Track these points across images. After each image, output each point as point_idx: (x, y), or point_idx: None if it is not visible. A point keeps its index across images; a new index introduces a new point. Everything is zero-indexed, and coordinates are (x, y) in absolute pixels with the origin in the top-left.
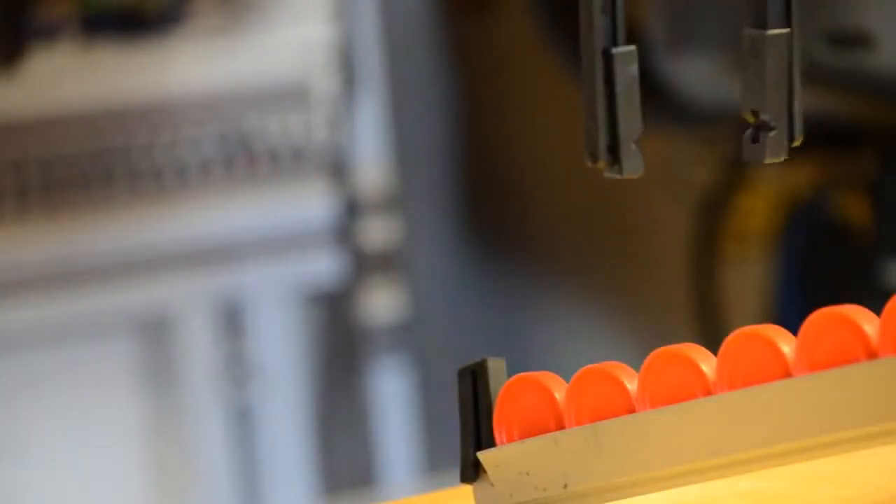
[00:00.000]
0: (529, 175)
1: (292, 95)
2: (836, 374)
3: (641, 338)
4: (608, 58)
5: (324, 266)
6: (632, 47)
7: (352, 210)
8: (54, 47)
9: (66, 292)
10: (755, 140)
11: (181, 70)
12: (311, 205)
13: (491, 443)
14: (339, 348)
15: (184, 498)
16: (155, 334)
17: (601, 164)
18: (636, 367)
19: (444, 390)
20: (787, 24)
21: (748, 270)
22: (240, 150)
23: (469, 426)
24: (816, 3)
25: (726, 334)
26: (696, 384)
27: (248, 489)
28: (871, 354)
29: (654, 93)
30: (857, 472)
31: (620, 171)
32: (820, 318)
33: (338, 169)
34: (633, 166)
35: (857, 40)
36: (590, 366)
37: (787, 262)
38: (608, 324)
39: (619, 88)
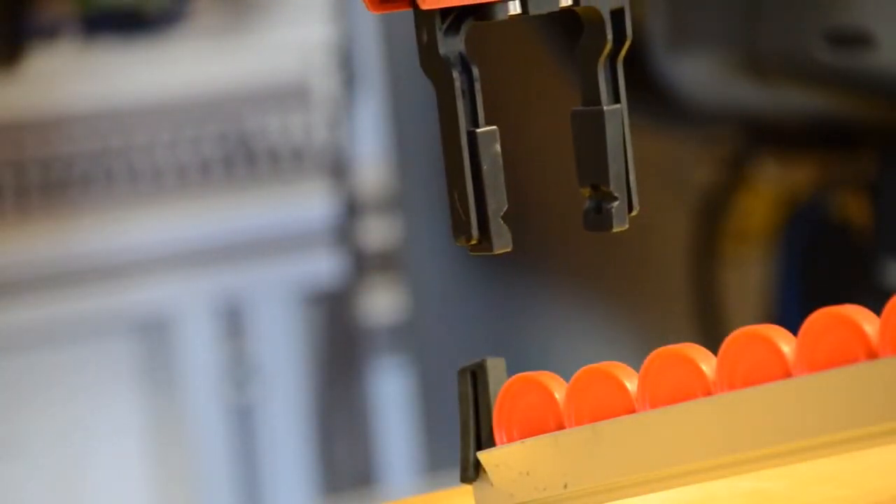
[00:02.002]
0: (529, 175)
1: (292, 95)
2: (836, 374)
3: (641, 338)
4: (472, 138)
5: (324, 266)
6: (493, 128)
7: (352, 210)
8: (54, 47)
9: (66, 292)
10: (598, 211)
11: (181, 70)
12: (311, 205)
13: (491, 443)
14: (339, 348)
15: (184, 498)
16: (155, 334)
17: (471, 242)
18: (636, 367)
19: (444, 390)
20: (618, 100)
21: (748, 270)
22: (240, 150)
23: (469, 426)
24: (816, 3)
25: (726, 334)
26: (696, 384)
27: (248, 489)
28: (871, 354)
29: (655, 93)
30: (857, 472)
31: (490, 248)
32: (820, 318)
33: (338, 169)
34: (502, 242)
35: (857, 40)
36: (590, 366)
37: (787, 262)
38: (608, 324)
39: (485, 167)
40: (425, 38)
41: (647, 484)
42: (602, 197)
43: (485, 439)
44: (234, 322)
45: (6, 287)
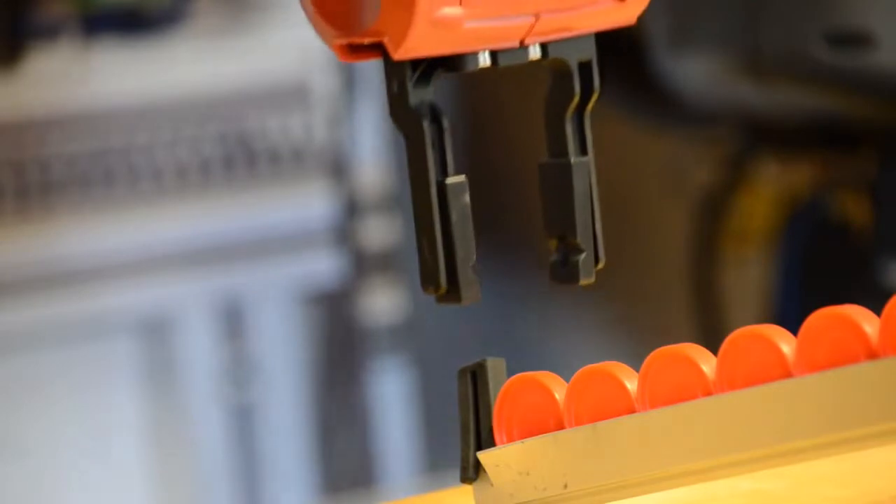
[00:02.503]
0: (529, 174)
1: (292, 95)
2: (836, 374)
3: (641, 338)
4: (442, 189)
5: (324, 266)
6: (463, 178)
7: (352, 210)
8: (54, 47)
9: (66, 292)
10: (564, 264)
11: (181, 70)
12: (311, 205)
13: (491, 443)
14: (339, 348)
15: (184, 497)
16: (155, 334)
17: (440, 292)
18: (636, 367)
19: (444, 390)
20: (586, 152)
21: (748, 270)
22: (240, 150)
23: (469, 426)
24: (817, 3)
25: (726, 334)
26: (696, 384)
27: (248, 489)
28: (871, 354)
29: (655, 93)
30: (857, 472)
31: (459, 299)
32: (820, 318)
33: (338, 169)
34: (471, 293)
35: (857, 40)
36: (590, 366)
37: (787, 262)
38: (608, 324)
39: (454, 218)
40: (395, 88)
41: (647, 484)
42: (569, 249)
43: (485, 439)
44: (234, 322)
45: (6, 287)
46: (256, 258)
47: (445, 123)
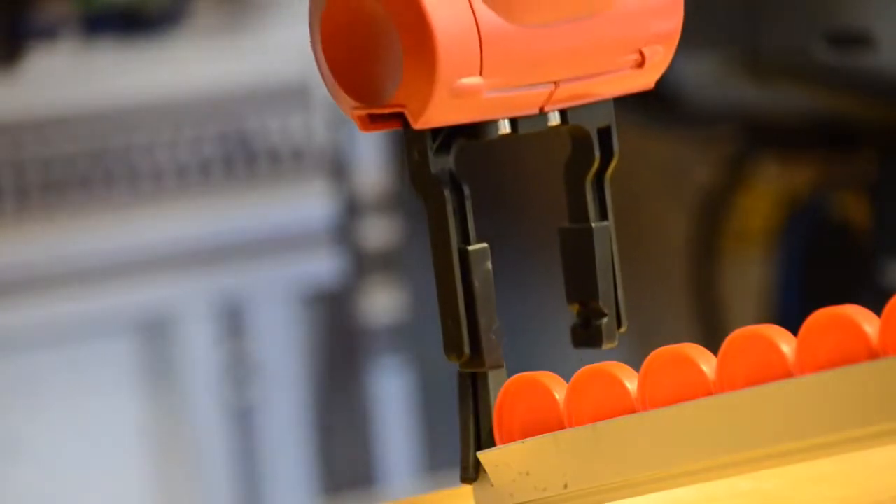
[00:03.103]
0: (529, 174)
1: (292, 95)
2: (836, 374)
3: (641, 338)
4: (464, 256)
5: (324, 266)
6: (484, 245)
7: (352, 210)
8: (54, 47)
9: (66, 292)
10: (586, 327)
11: (181, 70)
12: (311, 205)
13: (491, 443)
14: (339, 348)
15: (184, 497)
16: (155, 334)
17: (462, 359)
18: (636, 367)
19: (444, 390)
20: (606, 217)
21: (748, 270)
22: (240, 151)
23: (469, 426)
24: (816, 3)
25: (726, 334)
26: (696, 384)
27: (248, 489)
28: (872, 354)
29: (655, 93)
30: (857, 472)
31: (482, 365)
32: (820, 318)
33: (338, 169)
34: (494, 359)
35: (857, 40)
36: (590, 366)
37: (787, 262)
38: None
39: (476, 284)
40: (416, 156)
41: (647, 484)
42: (591, 313)
43: (485, 439)
44: (234, 322)
45: (6, 287)
46: (256, 258)
47: (466, 191)
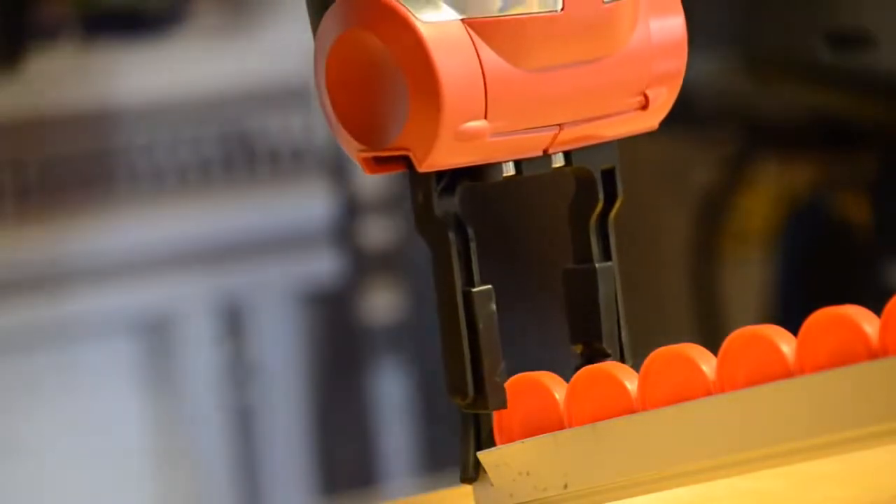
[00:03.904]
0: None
1: (292, 95)
2: (836, 374)
3: (641, 338)
4: (468, 298)
5: (324, 266)
6: (489, 287)
7: (352, 210)
8: (54, 47)
9: (66, 292)
10: None
11: (181, 70)
12: (311, 205)
13: (491, 443)
14: (339, 348)
15: (184, 498)
16: (155, 334)
17: (466, 401)
18: (637, 367)
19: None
20: (609, 258)
21: (748, 270)
22: (240, 151)
23: (469, 426)
24: (817, 3)
25: (726, 334)
26: (696, 384)
27: (248, 489)
28: (872, 354)
29: None
30: (857, 472)
31: (486, 407)
32: (820, 318)
33: (338, 169)
34: (498, 401)
35: (857, 40)
36: (590, 366)
37: (787, 262)
38: None
39: (481, 326)
40: (421, 198)
41: (647, 484)
42: (594, 353)
43: (485, 439)
44: (234, 322)
45: (6, 287)
46: (256, 258)
47: (471, 233)
